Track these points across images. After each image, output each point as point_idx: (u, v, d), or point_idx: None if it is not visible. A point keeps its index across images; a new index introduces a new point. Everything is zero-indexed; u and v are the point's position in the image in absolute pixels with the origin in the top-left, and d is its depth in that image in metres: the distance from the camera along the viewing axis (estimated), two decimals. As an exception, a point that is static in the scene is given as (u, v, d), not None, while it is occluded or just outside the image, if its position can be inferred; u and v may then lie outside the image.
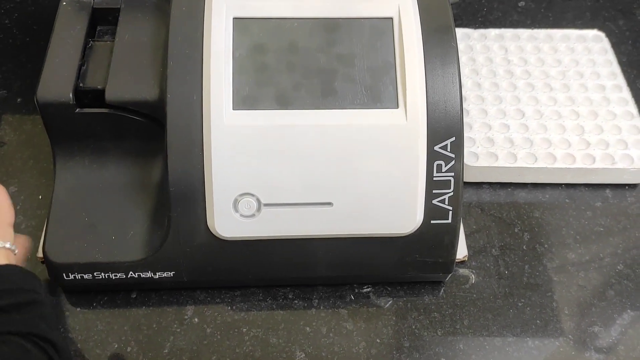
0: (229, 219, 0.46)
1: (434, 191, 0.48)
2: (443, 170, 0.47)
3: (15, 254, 0.44)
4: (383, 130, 0.46)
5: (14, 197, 0.58)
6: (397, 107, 0.46)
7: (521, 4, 0.78)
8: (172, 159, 0.46)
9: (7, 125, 0.63)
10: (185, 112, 0.46)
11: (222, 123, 0.45)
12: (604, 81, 0.65)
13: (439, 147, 0.47)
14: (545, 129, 0.61)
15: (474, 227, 0.58)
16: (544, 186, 0.60)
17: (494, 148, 0.59)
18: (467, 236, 0.56)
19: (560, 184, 0.60)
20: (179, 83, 0.46)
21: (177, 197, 0.47)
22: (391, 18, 0.48)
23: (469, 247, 0.56)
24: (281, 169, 0.46)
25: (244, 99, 0.46)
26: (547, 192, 0.60)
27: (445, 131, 0.47)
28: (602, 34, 0.70)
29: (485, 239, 0.57)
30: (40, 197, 0.58)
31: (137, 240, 0.49)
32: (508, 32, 0.70)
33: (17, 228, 0.56)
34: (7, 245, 0.43)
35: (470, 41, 0.69)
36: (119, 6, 0.52)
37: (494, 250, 0.56)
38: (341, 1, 0.48)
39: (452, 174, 0.47)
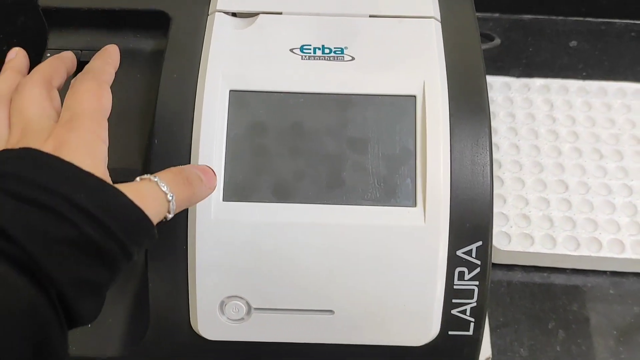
0: (214, 322, 0.41)
1: (453, 301, 0.41)
2: (466, 279, 0.40)
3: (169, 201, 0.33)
4: (397, 232, 0.39)
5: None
6: (415, 205, 0.39)
7: (573, 43, 0.69)
8: (153, 253, 0.40)
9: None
10: (169, 199, 0.40)
11: (209, 216, 0.39)
12: (664, 148, 0.57)
13: (462, 252, 0.40)
14: (591, 206, 0.53)
15: (501, 319, 0.51)
16: (585, 272, 0.53)
17: (530, 228, 0.52)
18: (492, 330, 0.50)
19: (605, 271, 0.53)
20: (164, 166, 0.40)
21: (158, 294, 0.41)
22: (414, 96, 0.41)
23: (494, 344, 0.49)
24: (276, 271, 0.40)
25: (236, 189, 0.40)
26: (589, 279, 0.53)
27: (471, 234, 0.40)
28: (664, 89, 0.61)
29: (514, 335, 0.50)
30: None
31: (115, 332, 0.43)
32: (555, 83, 0.61)
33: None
34: (155, 180, 0.32)
35: (511, 92, 0.61)
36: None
37: (522, 349, 0.49)
38: (355, 75, 0.41)
39: (477, 282, 0.40)
